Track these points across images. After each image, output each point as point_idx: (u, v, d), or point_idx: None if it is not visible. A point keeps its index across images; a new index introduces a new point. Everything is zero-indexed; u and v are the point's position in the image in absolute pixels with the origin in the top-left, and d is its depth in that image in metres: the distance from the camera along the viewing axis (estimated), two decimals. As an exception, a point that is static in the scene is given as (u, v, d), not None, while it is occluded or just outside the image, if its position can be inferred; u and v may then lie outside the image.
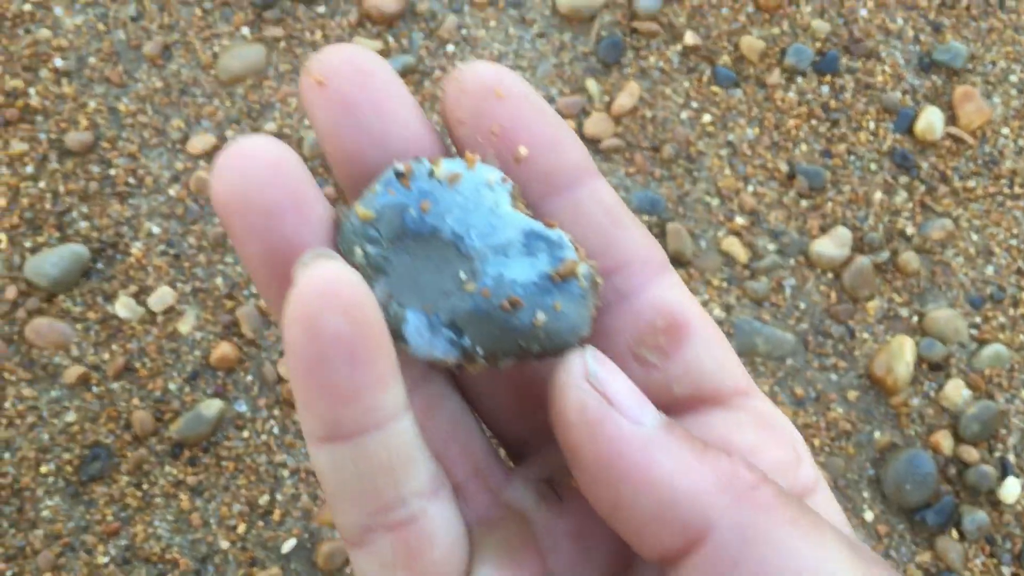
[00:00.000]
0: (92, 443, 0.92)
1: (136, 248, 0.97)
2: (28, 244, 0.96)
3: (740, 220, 1.02)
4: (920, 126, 1.06)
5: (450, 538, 0.26)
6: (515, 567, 0.27)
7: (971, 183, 1.05)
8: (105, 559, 0.89)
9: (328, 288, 0.22)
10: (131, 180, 0.99)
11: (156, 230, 0.98)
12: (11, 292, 0.94)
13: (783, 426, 0.28)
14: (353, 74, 0.26)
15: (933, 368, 0.99)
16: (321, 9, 1.06)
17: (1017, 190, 1.06)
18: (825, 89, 1.07)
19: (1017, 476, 0.96)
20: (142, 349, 0.94)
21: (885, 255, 1.02)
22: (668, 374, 0.28)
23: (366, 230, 0.27)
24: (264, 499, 0.92)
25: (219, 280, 0.97)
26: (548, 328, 0.27)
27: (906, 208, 1.04)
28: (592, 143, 1.03)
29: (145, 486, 0.91)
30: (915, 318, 1.01)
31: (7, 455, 0.91)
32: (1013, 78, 1.10)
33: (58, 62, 1.02)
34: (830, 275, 1.02)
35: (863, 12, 1.10)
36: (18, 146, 0.99)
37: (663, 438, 0.24)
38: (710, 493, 0.23)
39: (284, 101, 1.03)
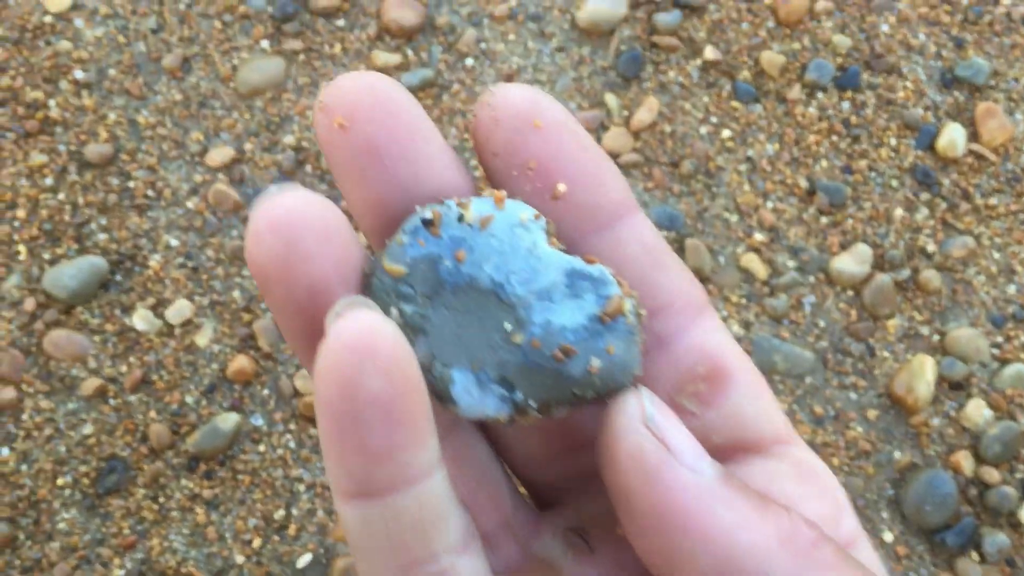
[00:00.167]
0: (109, 456, 0.92)
1: (154, 260, 0.97)
2: (47, 256, 0.96)
3: (759, 236, 1.02)
4: (942, 143, 1.05)
5: None
6: None
7: (993, 200, 1.04)
8: (121, 572, 0.89)
9: (364, 343, 0.21)
10: (150, 192, 0.99)
11: (174, 242, 0.98)
12: (30, 304, 0.94)
13: (823, 476, 0.27)
14: (377, 114, 0.25)
15: (954, 387, 0.98)
16: (340, 22, 1.06)
17: (1040, 208, 1.05)
18: (846, 105, 1.07)
19: (1039, 498, 0.95)
20: (159, 362, 0.95)
21: (906, 273, 1.01)
22: (707, 422, 0.27)
23: (398, 287, 0.25)
24: (280, 513, 0.91)
25: (236, 293, 0.97)
26: (603, 373, 0.25)
27: (927, 225, 1.03)
28: (611, 158, 1.03)
29: (161, 499, 0.91)
30: (936, 337, 1.00)
31: (24, 467, 0.91)
32: (1036, 94, 1.09)
33: (78, 74, 1.02)
34: (850, 292, 1.01)
35: (885, 27, 1.09)
36: (38, 158, 0.99)
37: (722, 489, 0.23)
38: (771, 550, 0.22)
39: (303, 114, 1.03)
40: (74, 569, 0.89)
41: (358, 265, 0.24)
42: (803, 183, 1.04)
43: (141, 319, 0.95)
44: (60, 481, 0.91)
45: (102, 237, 0.98)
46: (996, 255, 1.03)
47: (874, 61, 1.08)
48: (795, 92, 1.06)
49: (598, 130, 1.04)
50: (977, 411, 0.97)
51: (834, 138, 1.06)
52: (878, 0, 1.10)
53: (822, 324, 1.00)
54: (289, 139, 1.02)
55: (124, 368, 0.94)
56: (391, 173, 0.25)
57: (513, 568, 0.28)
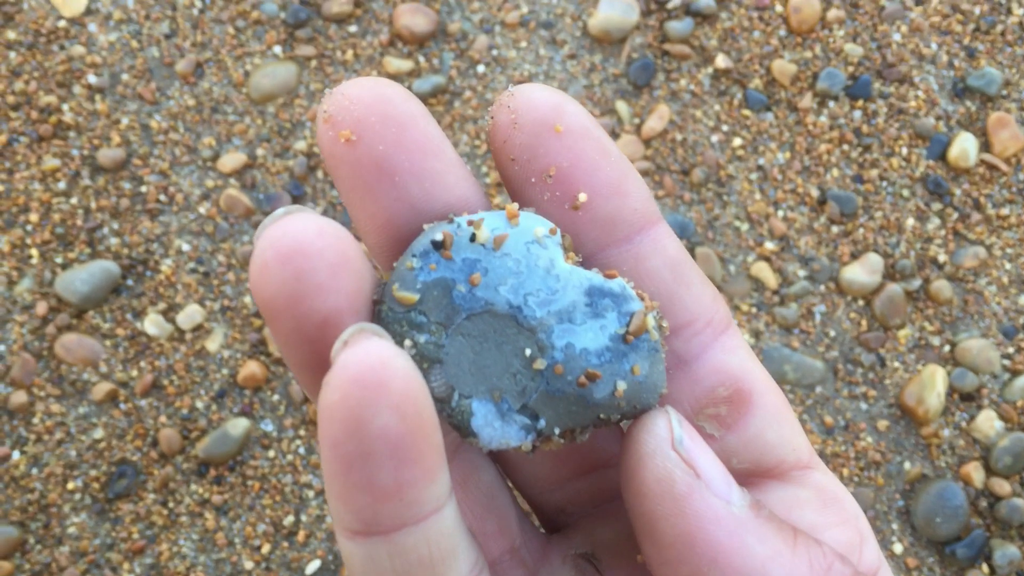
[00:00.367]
0: (119, 460, 0.92)
1: (166, 265, 0.98)
2: (59, 260, 0.97)
3: (770, 245, 1.01)
4: (953, 152, 1.05)
5: None
6: None
7: (1005, 211, 1.04)
8: (130, 577, 0.89)
9: (374, 377, 0.19)
10: (162, 197, 1.00)
11: (186, 247, 0.98)
12: (41, 308, 0.95)
13: (846, 503, 0.27)
14: (386, 127, 0.23)
15: (965, 399, 0.98)
16: (353, 28, 1.07)
17: (1052, 219, 1.04)
18: (857, 114, 1.06)
19: (1050, 510, 0.95)
20: (170, 367, 0.95)
21: (917, 283, 1.01)
22: (727, 446, 0.27)
23: (410, 316, 0.24)
24: (289, 520, 0.91)
25: (247, 298, 0.97)
26: (629, 395, 0.24)
27: (938, 235, 1.03)
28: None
29: (171, 504, 0.91)
30: (947, 347, 1.00)
31: (35, 471, 0.91)
32: (1049, 105, 1.08)
33: (91, 79, 1.03)
34: (861, 302, 1.01)
35: (897, 36, 1.09)
36: (51, 162, 0.99)
37: (753, 520, 0.22)
38: None
39: (315, 120, 1.03)
40: (84, 573, 0.89)
41: (371, 295, 0.23)
42: (814, 192, 1.04)
43: (152, 324, 0.96)
44: (70, 485, 0.91)
45: (114, 241, 0.98)
46: (1007, 265, 1.03)
47: (886, 70, 1.08)
48: (806, 101, 1.06)
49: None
50: (988, 422, 0.97)
51: (845, 147, 1.06)
52: (890, 9, 1.10)
53: (832, 334, 0.99)
54: (301, 145, 1.02)
55: (135, 373, 0.94)
56: (400, 190, 0.24)
57: None
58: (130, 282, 0.97)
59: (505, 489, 0.28)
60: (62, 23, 1.04)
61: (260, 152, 1.02)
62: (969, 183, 1.05)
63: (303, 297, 0.21)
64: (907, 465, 0.96)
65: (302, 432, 0.94)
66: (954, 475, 0.96)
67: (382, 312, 0.24)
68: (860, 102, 1.07)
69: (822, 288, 1.01)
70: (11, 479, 0.91)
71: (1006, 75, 1.09)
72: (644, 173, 1.03)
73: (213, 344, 0.96)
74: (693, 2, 1.08)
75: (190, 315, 0.96)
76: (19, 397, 0.92)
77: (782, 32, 1.09)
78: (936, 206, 1.04)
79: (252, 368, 0.94)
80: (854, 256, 1.02)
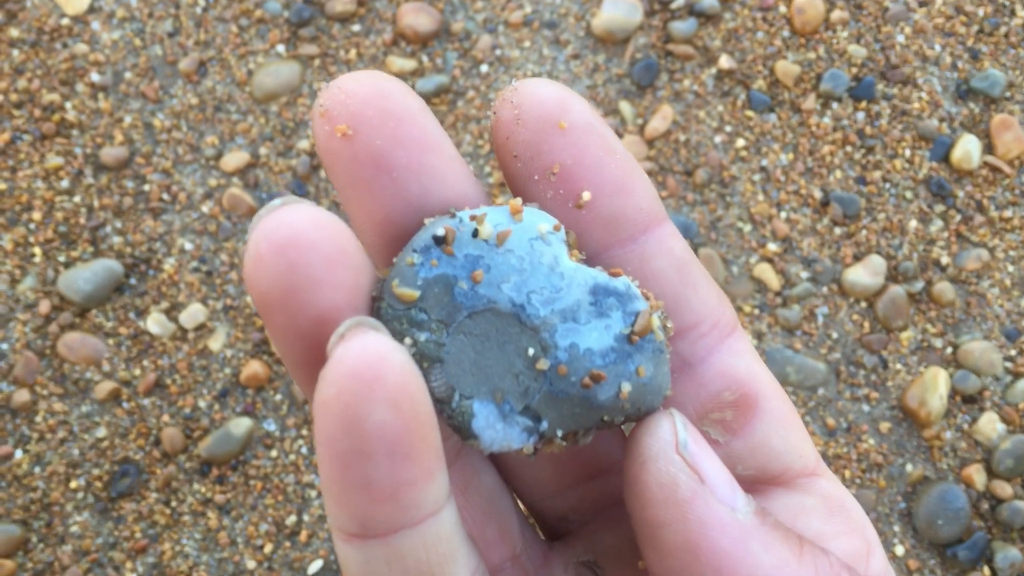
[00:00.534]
0: (122, 459, 0.92)
1: (169, 264, 0.98)
2: (62, 258, 0.97)
3: (773, 247, 1.01)
4: (957, 154, 1.05)
5: None
6: None
7: (1008, 213, 1.04)
8: (132, 576, 0.89)
9: (370, 370, 0.19)
10: (165, 196, 1.00)
11: (189, 246, 0.98)
12: (44, 306, 0.95)
13: (853, 511, 0.27)
14: (384, 122, 0.22)
15: (967, 401, 0.98)
16: (356, 27, 1.06)
17: (1055, 221, 1.04)
18: (861, 115, 1.06)
19: (1051, 513, 0.95)
20: (173, 366, 0.95)
21: (919, 285, 1.01)
22: (732, 452, 0.26)
23: (410, 313, 0.23)
24: (291, 519, 0.92)
25: (250, 298, 0.97)
26: (634, 397, 0.24)
27: (941, 237, 1.03)
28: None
29: (173, 503, 0.92)
30: (949, 349, 1.00)
31: (37, 469, 0.91)
32: (1052, 107, 1.08)
33: (95, 77, 1.03)
34: (863, 304, 1.00)
35: (900, 38, 1.09)
36: (54, 160, 0.99)
37: (758, 528, 0.22)
38: None
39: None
40: (86, 572, 0.89)
41: (370, 291, 0.23)
42: (817, 193, 1.04)
43: (155, 323, 0.96)
44: (73, 484, 0.91)
45: (117, 240, 0.98)
46: (1010, 268, 1.03)
47: (889, 72, 1.08)
48: (810, 102, 1.06)
49: (612, 138, 1.04)
50: (990, 425, 0.97)
51: (848, 148, 1.05)
52: (894, 10, 1.10)
53: (835, 335, 0.99)
54: (304, 144, 1.02)
55: (138, 371, 0.94)
56: (398, 186, 0.23)
57: None
58: (133, 281, 0.97)
59: (507, 495, 0.28)
60: (65, 21, 1.04)
61: (263, 151, 1.02)
62: (972, 185, 1.05)
63: (298, 291, 0.21)
64: (909, 467, 0.96)
65: (304, 432, 0.94)
66: (956, 477, 0.96)
67: (381, 309, 0.23)
68: (863, 103, 1.07)
69: (824, 290, 1.01)
70: (14, 478, 0.91)
71: (1010, 77, 1.09)
72: (647, 174, 1.03)
73: (216, 343, 0.96)
74: (697, 2, 1.08)
75: (193, 314, 0.96)
76: (22, 396, 0.92)
77: (786, 33, 1.09)
78: (939, 208, 1.04)
79: (255, 367, 0.94)
80: (857, 258, 1.02)
